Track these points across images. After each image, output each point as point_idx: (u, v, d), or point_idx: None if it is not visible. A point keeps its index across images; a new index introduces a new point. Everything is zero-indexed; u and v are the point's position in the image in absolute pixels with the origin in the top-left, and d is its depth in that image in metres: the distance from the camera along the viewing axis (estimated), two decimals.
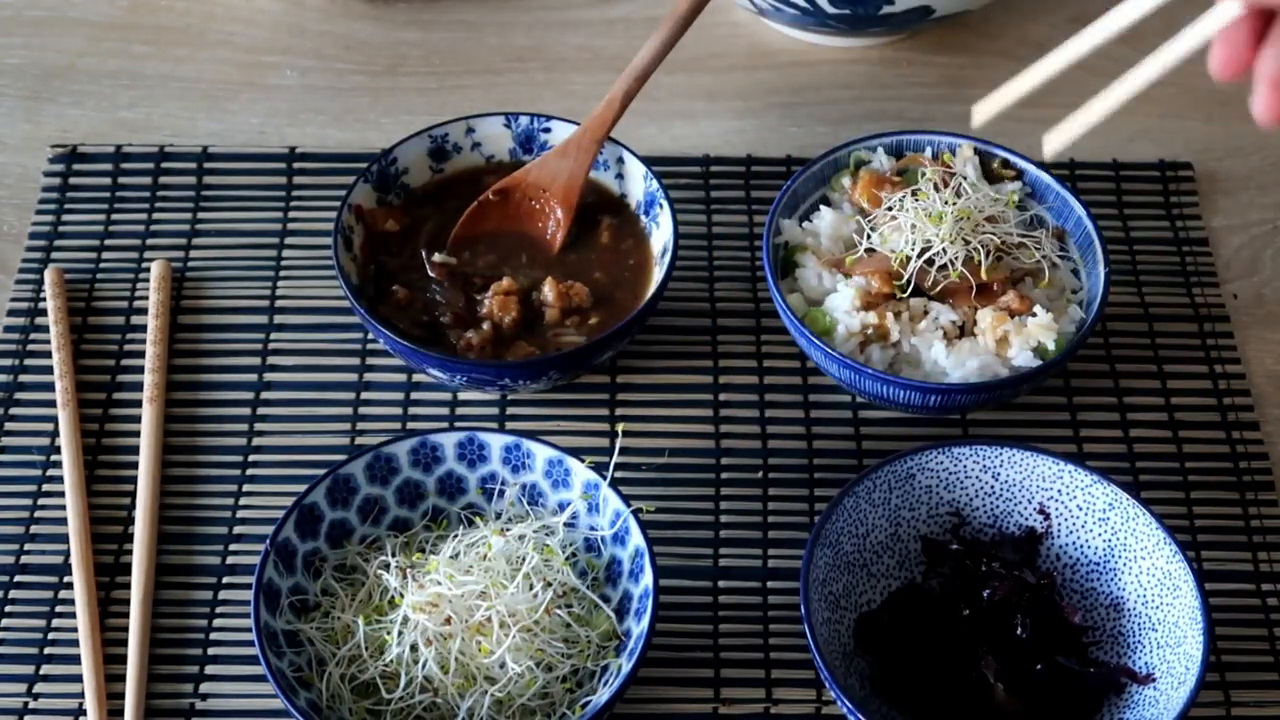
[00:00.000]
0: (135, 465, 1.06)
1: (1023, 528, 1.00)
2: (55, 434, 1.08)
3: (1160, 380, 1.12)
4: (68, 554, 1.02)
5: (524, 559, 0.94)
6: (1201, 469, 1.08)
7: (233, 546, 1.04)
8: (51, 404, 1.09)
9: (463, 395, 1.11)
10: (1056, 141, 0.86)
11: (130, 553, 1.03)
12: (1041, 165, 1.13)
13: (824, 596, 0.94)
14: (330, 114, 1.29)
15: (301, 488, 0.97)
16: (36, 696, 0.97)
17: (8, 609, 1.01)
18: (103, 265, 1.18)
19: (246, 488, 1.07)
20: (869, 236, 1.08)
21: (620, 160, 1.14)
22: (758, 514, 1.05)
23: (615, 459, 0.97)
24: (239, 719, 0.97)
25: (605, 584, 0.97)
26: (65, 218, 1.21)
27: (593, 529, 0.98)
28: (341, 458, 0.99)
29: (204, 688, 0.98)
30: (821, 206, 1.12)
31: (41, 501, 1.05)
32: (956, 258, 1.05)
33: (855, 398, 1.11)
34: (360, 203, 1.11)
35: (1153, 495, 1.06)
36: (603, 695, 0.90)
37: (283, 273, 1.18)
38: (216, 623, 1.00)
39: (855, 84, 1.32)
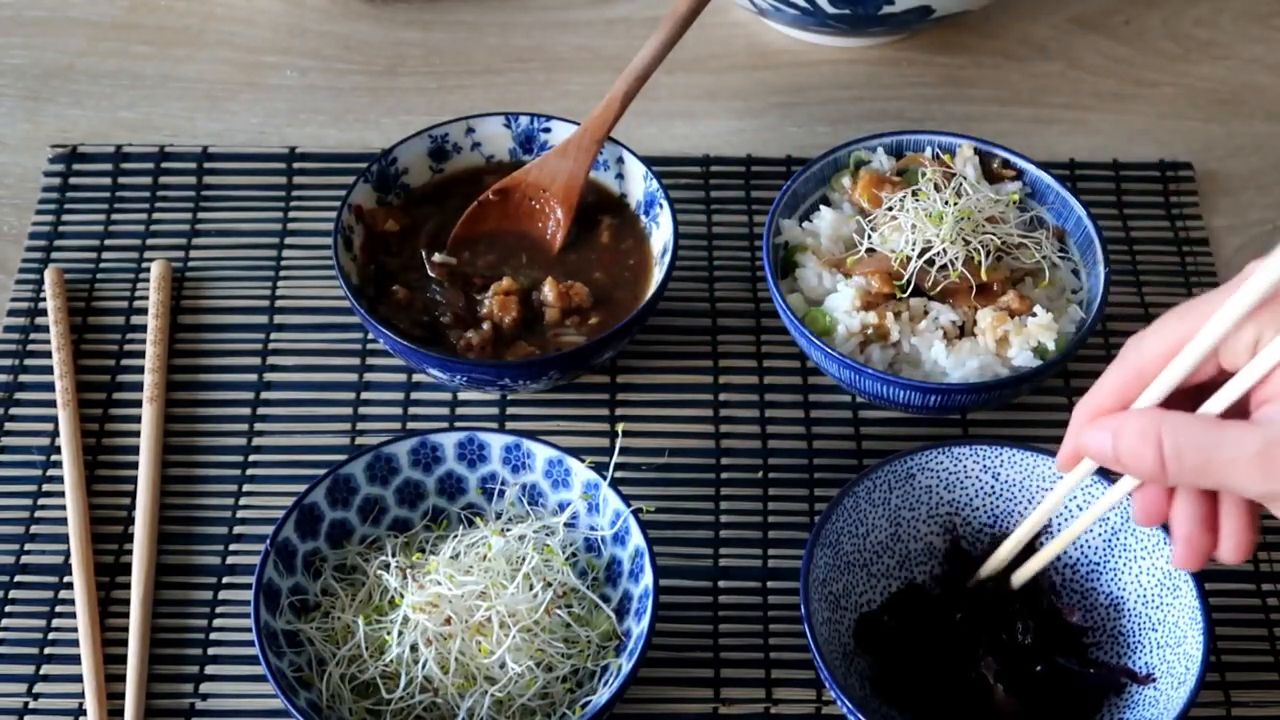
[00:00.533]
0: (135, 465, 1.06)
1: None
2: (55, 434, 1.08)
3: None
4: (68, 554, 1.02)
5: (524, 559, 0.94)
6: None
7: (233, 546, 1.04)
8: (51, 404, 1.09)
9: (463, 395, 1.11)
10: (1022, 576, 0.96)
11: (130, 553, 1.03)
12: (1041, 165, 1.13)
13: (824, 596, 0.94)
14: (330, 114, 1.29)
15: (301, 488, 0.97)
16: (36, 696, 0.97)
17: (8, 609, 1.01)
18: (103, 265, 1.18)
19: (246, 488, 1.07)
20: (869, 236, 1.08)
21: (620, 160, 1.14)
22: (758, 514, 1.05)
23: (615, 459, 0.97)
24: (239, 719, 0.97)
25: (605, 584, 0.97)
26: (65, 218, 1.21)
27: (593, 529, 0.98)
28: (341, 458, 0.99)
29: (204, 688, 0.98)
30: (821, 206, 1.12)
31: (41, 501, 1.05)
32: (957, 258, 1.05)
33: (855, 398, 1.11)
34: (360, 203, 1.11)
35: None
36: (603, 695, 0.90)
37: (283, 273, 1.18)
38: (216, 623, 1.00)
39: (855, 84, 1.32)
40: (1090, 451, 0.80)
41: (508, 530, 0.95)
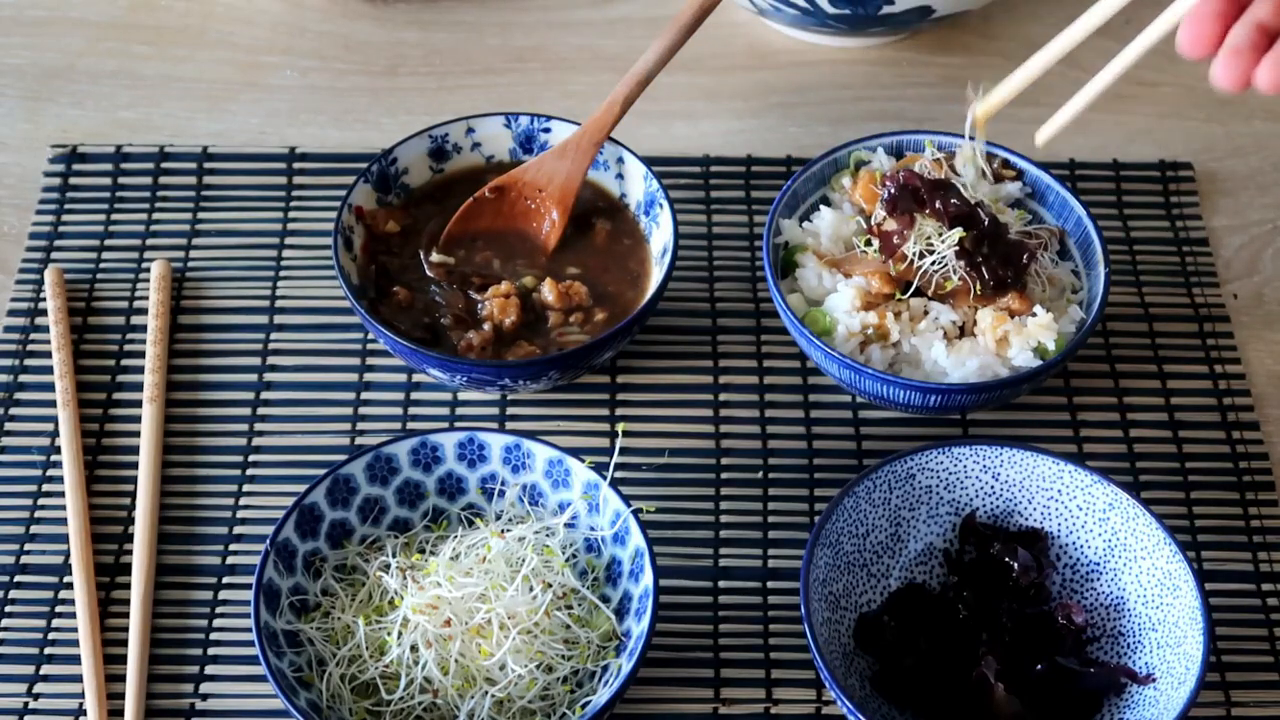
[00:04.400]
0: (135, 465, 1.06)
1: (1023, 527, 1.00)
2: (55, 434, 1.08)
3: (1160, 380, 1.12)
4: (68, 554, 1.02)
5: (524, 560, 0.94)
6: (1201, 469, 1.08)
7: (233, 546, 1.04)
8: (51, 404, 1.09)
9: (463, 395, 1.11)
10: (1047, 132, 0.98)
11: (130, 553, 1.03)
12: (1042, 165, 1.13)
13: (824, 596, 0.94)
14: (330, 114, 1.29)
15: (301, 488, 0.97)
16: (36, 696, 0.97)
17: (8, 609, 1.01)
18: (103, 265, 1.18)
19: (246, 488, 1.07)
20: (869, 240, 1.08)
21: (620, 160, 1.14)
22: (758, 514, 1.05)
23: (615, 459, 0.97)
24: (239, 719, 0.97)
25: (605, 584, 0.97)
26: (65, 218, 1.21)
27: (593, 529, 0.98)
28: (341, 458, 0.99)
29: (204, 688, 0.98)
30: (821, 206, 1.12)
31: (41, 501, 1.06)
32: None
33: (855, 398, 1.11)
34: (360, 203, 1.11)
35: (1153, 495, 1.06)
36: (603, 695, 0.90)
37: (283, 273, 1.18)
38: (216, 623, 1.00)
39: (855, 84, 1.32)
40: None
41: (507, 531, 0.95)
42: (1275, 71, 0.80)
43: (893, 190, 1.05)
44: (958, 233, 1.03)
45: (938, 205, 1.04)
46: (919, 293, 1.06)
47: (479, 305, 1.08)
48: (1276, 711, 0.97)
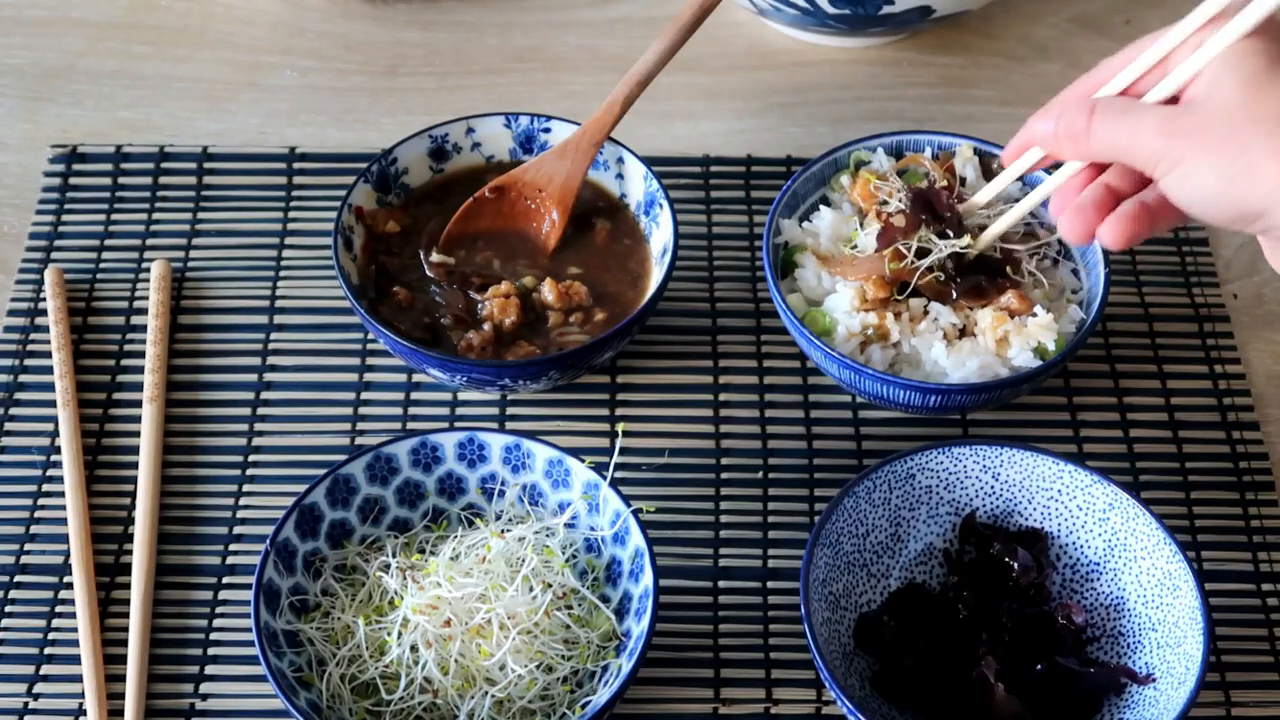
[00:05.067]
0: (135, 465, 1.06)
1: (1023, 528, 1.00)
2: (55, 434, 1.08)
3: (1160, 380, 1.12)
4: (68, 554, 1.02)
5: (523, 561, 0.94)
6: (1201, 469, 1.08)
7: (233, 546, 1.04)
8: (51, 404, 1.09)
9: (463, 395, 1.11)
10: (982, 242, 1.06)
11: (130, 553, 1.03)
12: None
13: (824, 596, 0.94)
14: (330, 114, 1.29)
15: (301, 488, 0.97)
16: (36, 696, 0.97)
17: (8, 609, 1.01)
18: (103, 265, 1.18)
19: (246, 488, 1.07)
20: (860, 238, 1.08)
21: (620, 160, 1.14)
22: (758, 514, 1.05)
23: (615, 459, 0.97)
24: (239, 719, 0.97)
25: (605, 584, 0.97)
26: (65, 218, 1.21)
27: (593, 529, 0.98)
28: (341, 458, 0.99)
29: (204, 688, 0.98)
30: (821, 206, 1.12)
31: (41, 501, 1.06)
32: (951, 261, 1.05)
33: (855, 398, 1.11)
34: (360, 203, 1.11)
35: (1153, 495, 1.06)
36: (603, 695, 0.90)
37: (283, 273, 1.18)
38: (216, 623, 1.00)
39: (855, 84, 1.32)
40: (1036, 136, 0.91)
41: (507, 531, 0.95)
42: (1116, 230, 0.88)
43: (916, 191, 1.06)
44: (966, 239, 1.04)
45: (947, 231, 1.04)
46: (915, 293, 1.06)
47: (479, 305, 1.08)
48: (1276, 711, 0.97)
